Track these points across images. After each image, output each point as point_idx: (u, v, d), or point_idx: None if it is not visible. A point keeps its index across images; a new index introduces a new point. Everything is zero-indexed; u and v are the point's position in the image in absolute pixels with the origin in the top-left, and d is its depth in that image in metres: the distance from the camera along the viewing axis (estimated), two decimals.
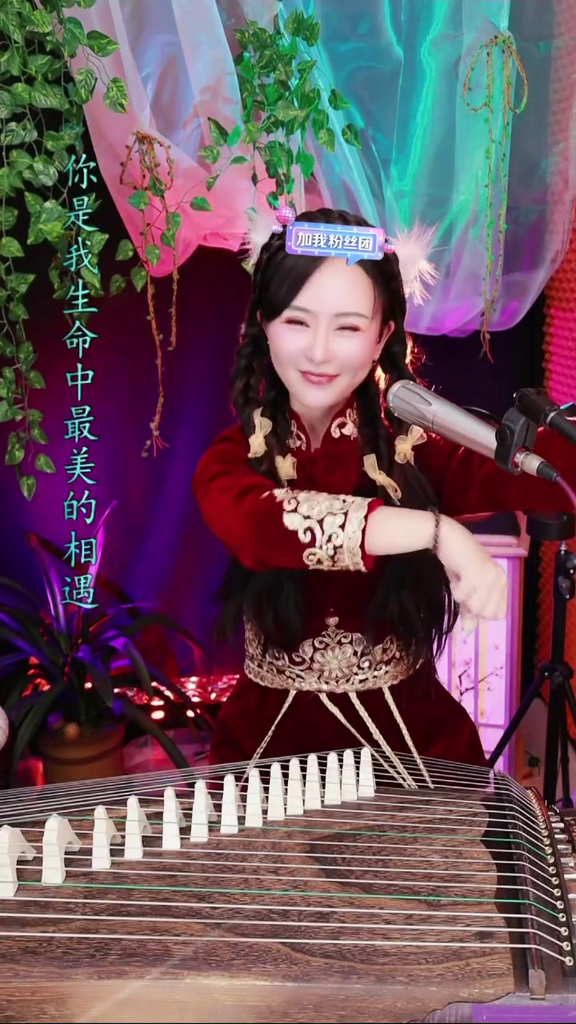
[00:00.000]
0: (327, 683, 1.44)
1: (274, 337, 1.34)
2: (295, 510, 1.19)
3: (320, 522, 1.17)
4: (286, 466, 1.38)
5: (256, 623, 1.43)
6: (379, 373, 1.42)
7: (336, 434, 1.40)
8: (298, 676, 1.44)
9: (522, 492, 1.30)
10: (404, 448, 1.38)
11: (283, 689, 1.46)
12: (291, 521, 1.19)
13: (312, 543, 1.17)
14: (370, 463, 1.38)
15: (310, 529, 1.18)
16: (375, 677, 1.44)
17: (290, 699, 1.46)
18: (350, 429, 1.40)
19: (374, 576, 1.34)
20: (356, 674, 1.43)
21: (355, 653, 1.42)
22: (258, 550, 1.25)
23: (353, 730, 1.43)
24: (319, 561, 1.19)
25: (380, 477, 1.36)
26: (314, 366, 1.30)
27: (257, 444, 1.39)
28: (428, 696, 1.51)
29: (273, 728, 1.47)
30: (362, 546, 1.16)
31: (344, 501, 1.19)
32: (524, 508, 1.53)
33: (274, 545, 1.21)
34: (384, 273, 1.33)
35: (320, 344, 1.28)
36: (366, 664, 1.43)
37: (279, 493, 1.23)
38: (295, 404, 1.41)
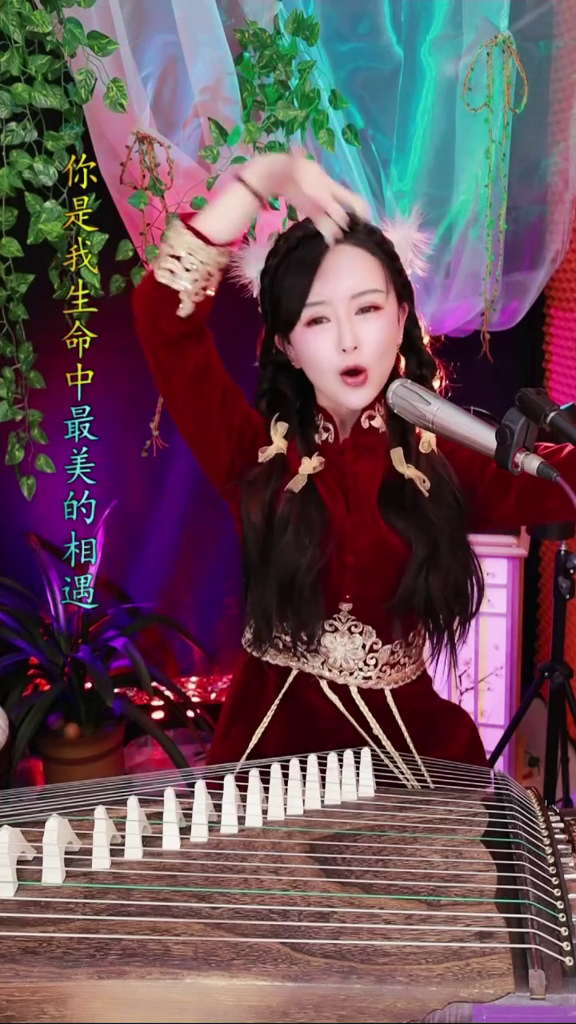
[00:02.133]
0: (329, 671, 1.42)
1: (302, 346, 1.34)
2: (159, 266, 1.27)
3: (174, 257, 1.26)
4: (308, 465, 1.38)
5: (276, 618, 1.41)
6: (403, 365, 1.43)
7: (365, 425, 1.40)
8: (303, 656, 1.42)
9: (560, 503, 1.30)
10: (428, 437, 1.39)
11: (284, 668, 1.45)
12: (160, 275, 1.26)
13: (174, 273, 1.26)
14: (397, 457, 1.39)
15: (169, 269, 1.26)
16: (378, 678, 1.43)
17: (291, 678, 1.44)
18: (379, 422, 1.41)
19: (393, 564, 1.36)
20: (361, 670, 1.42)
21: (363, 647, 1.41)
22: (145, 315, 1.31)
23: (353, 720, 1.42)
24: (186, 274, 1.25)
25: (408, 470, 1.37)
26: (348, 357, 1.29)
27: (273, 449, 1.39)
28: (428, 698, 1.50)
29: (273, 708, 1.45)
30: (201, 236, 1.24)
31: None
32: (560, 519, 1.53)
33: (155, 299, 1.28)
34: (387, 252, 1.35)
35: (346, 330, 1.29)
36: (372, 662, 1.42)
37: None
38: (322, 399, 1.41)
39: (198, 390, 1.34)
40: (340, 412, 1.41)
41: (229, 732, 1.52)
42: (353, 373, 1.31)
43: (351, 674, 1.43)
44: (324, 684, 1.43)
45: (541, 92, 2.61)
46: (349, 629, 1.41)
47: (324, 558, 1.35)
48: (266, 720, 1.46)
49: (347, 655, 1.42)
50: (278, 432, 1.41)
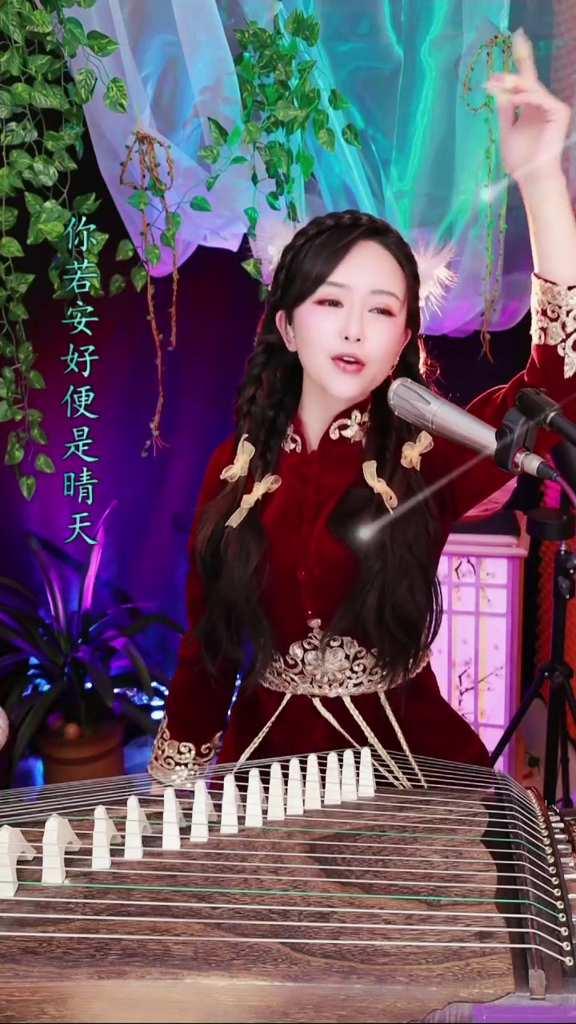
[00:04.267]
0: (320, 687, 1.43)
1: (304, 322, 1.32)
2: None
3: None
4: (257, 491, 1.39)
5: (226, 644, 1.44)
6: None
7: (335, 435, 1.39)
8: (292, 680, 1.43)
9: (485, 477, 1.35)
10: (412, 454, 1.36)
11: (280, 693, 1.46)
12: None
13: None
14: (369, 470, 1.36)
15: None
16: (370, 681, 1.43)
17: (284, 702, 1.45)
18: (352, 431, 1.39)
19: (346, 580, 1.34)
20: (350, 678, 1.42)
21: (347, 657, 1.41)
22: None
23: (346, 734, 1.42)
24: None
25: (378, 485, 1.35)
26: (348, 346, 1.28)
27: (237, 468, 1.41)
28: (423, 698, 1.50)
29: (266, 729, 1.46)
30: None
31: None
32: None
33: None
34: (411, 271, 1.35)
35: (356, 319, 1.28)
36: (360, 668, 1.41)
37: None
38: (307, 398, 1.40)
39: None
40: (311, 421, 1.40)
41: (237, 741, 1.53)
42: (349, 361, 1.29)
43: (341, 684, 1.42)
44: (317, 702, 1.43)
45: None
46: (328, 644, 1.40)
47: (263, 582, 1.35)
48: (256, 741, 1.48)
49: (334, 669, 1.41)
50: (244, 452, 1.40)
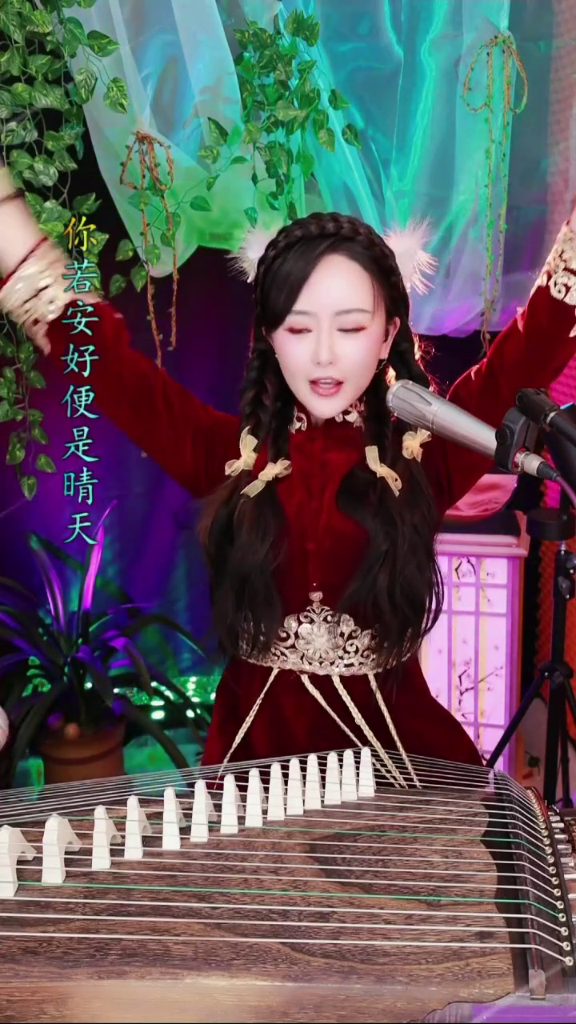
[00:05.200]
0: (309, 663, 1.42)
1: (279, 348, 1.35)
2: None
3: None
4: (270, 471, 1.39)
5: (236, 622, 1.43)
6: (391, 373, 1.42)
7: (339, 419, 1.41)
8: (282, 654, 1.42)
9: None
10: (412, 445, 1.38)
11: (266, 668, 1.45)
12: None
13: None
14: (372, 455, 1.39)
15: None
16: (360, 663, 1.42)
17: (272, 677, 1.44)
18: (353, 417, 1.42)
19: (353, 552, 1.35)
20: (341, 658, 1.42)
21: (341, 635, 1.40)
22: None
23: (333, 713, 1.41)
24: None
25: (381, 469, 1.37)
26: (321, 370, 1.30)
27: (241, 462, 1.41)
28: (413, 687, 1.50)
29: (255, 709, 1.45)
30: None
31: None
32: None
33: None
34: (382, 268, 1.34)
35: (324, 345, 1.29)
36: (352, 649, 1.41)
37: None
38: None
39: (130, 412, 1.44)
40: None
41: (222, 730, 1.52)
42: (326, 383, 1.32)
43: (332, 663, 1.42)
44: (305, 679, 1.43)
45: (541, 92, 2.61)
46: (325, 619, 1.40)
47: (279, 557, 1.35)
48: (249, 719, 1.46)
49: (326, 645, 1.41)
50: (247, 446, 1.41)
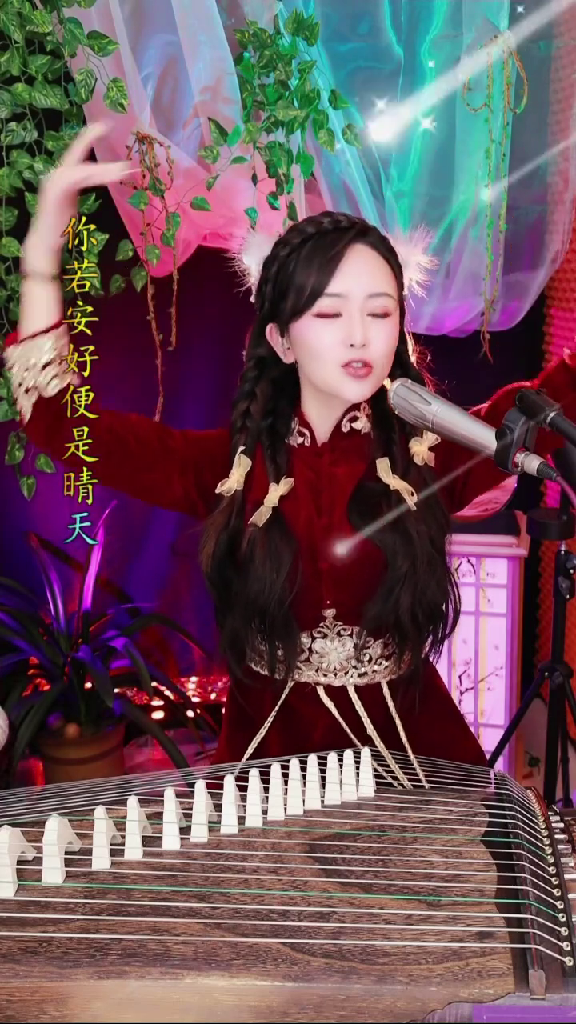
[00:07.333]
0: (325, 675, 1.43)
1: (304, 336, 1.33)
2: None
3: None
4: (275, 495, 1.37)
5: (251, 645, 1.43)
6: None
7: (346, 428, 1.40)
8: (296, 667, 1.42)
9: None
10: (420, 450, 1.37)
11: (279, 680, 1.45)
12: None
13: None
14: (383, 467, 1.37)
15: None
16: (374, 672, 1.43)
17: (287, 690, 1.44)
18: (361, 424, 1.41)
19: (367, 568, 1.35)
20: (356, 668, 1.42)
21: (355, 647, 1.41)
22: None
23: (346, 727, 1.42)
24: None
25: (394, 481, 1.36)
26: (355, 352, 1.29)
27: (233, 481, 1.39)
28: (426, 696, 1.50)
29: (270, 720, 1.45)
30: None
31: None
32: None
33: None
34: (396, 263, 1.36)
35: (358, 327, 1.29)
36: (366, 658, 1.42)
37: None
38: (307, 401, 1.41)
39: (109, 463, 1.45)
40: (320, 417, 1.40)
41: (231, 741, 1.52)
42: (358, 365, 1.30)
43: (346, 673, 1.42)
44: (321, 691, 1.43)
45: (541, 92, 2.61)
46: (338, 633, 1.41)
47: (295, 589, 1.34)
48: (262, 731, 1.46)
49: (340, 658, 1.41)
50: (240, 466, 1.39)
